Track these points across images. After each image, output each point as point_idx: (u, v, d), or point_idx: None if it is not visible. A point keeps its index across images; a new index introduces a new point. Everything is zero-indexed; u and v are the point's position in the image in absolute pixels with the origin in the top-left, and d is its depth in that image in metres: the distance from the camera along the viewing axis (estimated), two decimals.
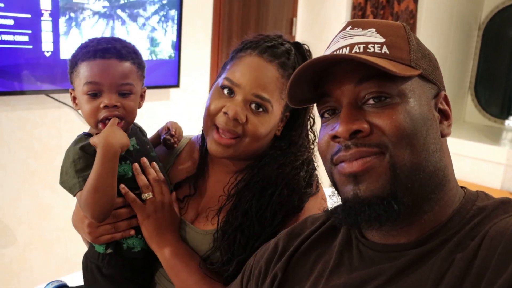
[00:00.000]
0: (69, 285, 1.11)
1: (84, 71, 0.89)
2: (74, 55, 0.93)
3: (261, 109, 0.88)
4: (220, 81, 0.92)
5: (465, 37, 3.54)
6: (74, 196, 0.89)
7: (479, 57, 3.60)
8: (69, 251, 2.31)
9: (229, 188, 0.94)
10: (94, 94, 0.90)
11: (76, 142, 0.92)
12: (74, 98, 0.96)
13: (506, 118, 3.52)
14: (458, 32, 3.43)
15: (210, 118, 0.90)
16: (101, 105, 0.89)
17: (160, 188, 0.93)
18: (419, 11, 2.91)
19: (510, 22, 3.54)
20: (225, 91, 0.90)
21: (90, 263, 0.97)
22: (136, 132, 1.00)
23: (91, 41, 0.93)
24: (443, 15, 3.23)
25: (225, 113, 0.87)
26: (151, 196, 0.92)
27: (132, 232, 0.93)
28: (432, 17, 3.06)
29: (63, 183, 0.91)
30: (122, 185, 0.91)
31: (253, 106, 0.88)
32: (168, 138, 1.07)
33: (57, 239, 2.29)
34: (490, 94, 3.69)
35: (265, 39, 0.93)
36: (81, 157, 0.89)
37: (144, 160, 0.95)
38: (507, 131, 3.45)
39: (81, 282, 1.05)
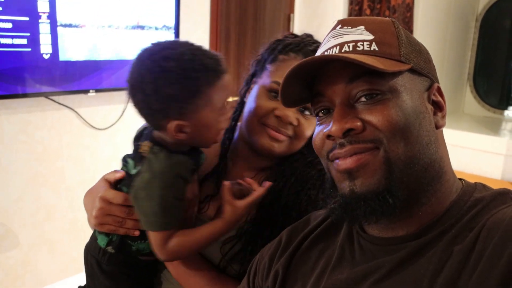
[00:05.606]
0: (76, 285, 1.11)
1: None
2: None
3: (308, 112, 0.91)
4: (267, 83, 0.92)
5: (463, 28, 3.54)
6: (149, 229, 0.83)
7: (477, 48, 3.60)
8: (73, 251, 2.32)
9: (258, 182, 0.94)
10: None
11: (168, 163, 0.82)
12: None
13: (505, 108, 3.52)
14: (456, 24, 3.43)
15: (258, 117, 0.92)
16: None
17: (188, 206, 0.89)
18: (416, 4, 2.91)
19: (507, 13, 3.53)
20: (274, 94, 0.92)
21: (90, 257, 0.95)
22: None
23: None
24: (440, 7, 3.23)
25: (277, 116, 0.90)
26: None
27: (137, 233, 0.90)
28: (429, 10, 3.06)
29: (142, 207, 0.82)
30: None
31: (301, 109, 0.91)
32: None
33: (61, 240, 2.30)
34: (488, 85, 3.70)
35: (304, 42, 0.94)
36: (176, 188, 0.81)
37: None
38: (506, 122, 3.45)
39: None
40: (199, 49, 0.81)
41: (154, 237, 0.83)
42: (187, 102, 0.78)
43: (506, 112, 3.51)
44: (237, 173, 0.99)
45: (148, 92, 0.78)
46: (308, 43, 0.94)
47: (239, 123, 1.01)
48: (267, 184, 0.87)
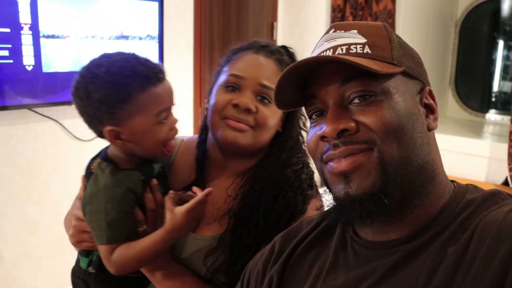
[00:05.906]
0: None
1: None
2: None
3: (266, 100, 0.91)
4: (223, 79, 0.93)
5: (443, 34, 3.61)
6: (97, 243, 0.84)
7: (458, 53, 3.67)
8: (58, 266, 2.27)
9: (235, 190, 0.94)
10: None
11: (112, 178, 0.82)
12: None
13: (487, 111, 3.59)
14: (436, 29, 3.49)
15: (217, 112, 0.91)
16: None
17: (154, 217, 0.88)
18: (397, 11, 2.96)
19: (485, 18, 3.62)
20: (230, 88, 0.92)
21: (76, 278, 0.95)
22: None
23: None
24: (420, 14, 3.29)
25: (235, 105, 0.89)
26: (145, 227, 0.87)
27: None
28: (410, 16, 3.11)
29: (90, 222, 0.84)
30: None
31: (259, 98, 0.91)
32: None
33: (46, 255, 2.25)
34: (470, 89, 3.76)
35: (256, 42, 0.97)
36: (122, 202, 0.82)
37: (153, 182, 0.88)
38: (488, 125, 3.51)
39: None
40: (135, 58, 0.84)
41: (101, 250, 0.83)
42: (117, 107, 0.80)
43: (487, 115, 3.58)
44: (214, 183, 0.98)
45: (82, 98, 0.81)
46: (259, 41, 0.98)
47: (209, 135, 1.01)
48: (208, 190, 0.86)
